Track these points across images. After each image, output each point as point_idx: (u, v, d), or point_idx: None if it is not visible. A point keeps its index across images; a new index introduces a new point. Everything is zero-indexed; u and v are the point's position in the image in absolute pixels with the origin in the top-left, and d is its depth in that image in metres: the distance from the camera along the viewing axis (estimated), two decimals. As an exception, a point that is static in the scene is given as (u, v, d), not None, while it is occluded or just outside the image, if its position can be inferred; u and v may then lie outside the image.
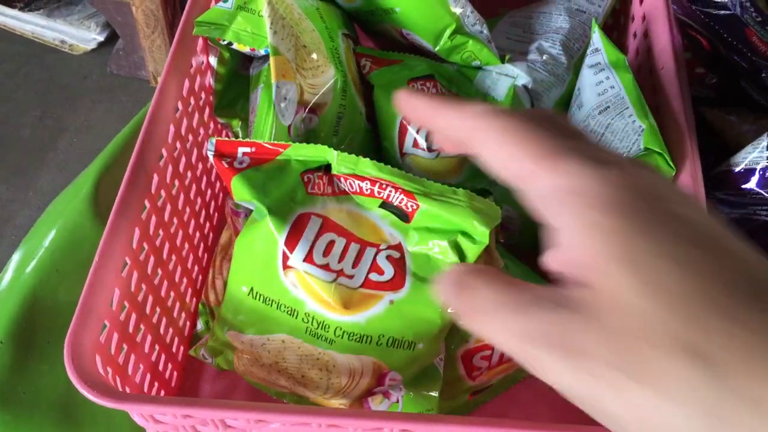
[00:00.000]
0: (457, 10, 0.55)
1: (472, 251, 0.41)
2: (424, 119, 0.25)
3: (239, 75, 0.57)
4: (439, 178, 0.55)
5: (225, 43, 0.52)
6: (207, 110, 0.58)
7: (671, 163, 0.47)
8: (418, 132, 0.54)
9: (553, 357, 0.20)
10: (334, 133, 0.53)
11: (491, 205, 0.42)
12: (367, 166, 0.42)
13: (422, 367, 0.44)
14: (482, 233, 0.41)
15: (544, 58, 0.58)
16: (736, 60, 0.53)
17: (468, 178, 0.56)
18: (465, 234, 0.41)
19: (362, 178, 0.42)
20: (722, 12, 0.56)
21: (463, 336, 0.48)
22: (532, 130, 0.22)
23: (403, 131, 0.55)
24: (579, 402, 0.20)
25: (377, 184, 0.42)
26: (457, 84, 0.58)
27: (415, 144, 0.54)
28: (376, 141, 0.57)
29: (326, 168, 0.43)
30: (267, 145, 0.42)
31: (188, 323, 0.55)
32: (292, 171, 0.42)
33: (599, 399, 0.19)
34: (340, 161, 0.42)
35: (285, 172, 0.42)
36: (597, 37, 0.54)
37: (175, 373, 0.52)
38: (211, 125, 0.59)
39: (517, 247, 0.58)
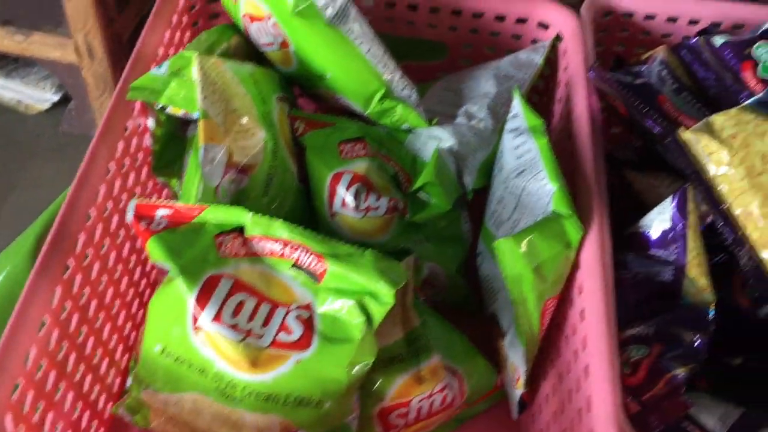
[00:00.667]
0: (386, 76, 0.58)
1: (379, 312, 0.43)
2: None
3: (177, 137, 0.59)
4: (366, 237, 0.57)
5: (159, 107, 0.54)
6: (146, 169, 0.60)
7: (579, 225, 0.49)
8: (346, 192, 0.56)
9: None
10: (264, 193, 0.55)
11: (398, 266, 0.44)
12: (279, 228, 0.44)
13: (332, 426, 0.45)
14: (387, 294, 0.43)
15: (472, 121, 0.60)
16: (648, 125, 0.55)
17: (394, 237, 0.58)
18: (371, 295, 0.43)
19: (274, 240, 0.44)
20: (637, 80, 0.59)
21: (378, 394, 0.49)
22: None
23: (332, 192, 0.57)
24: None
25: (288, 246, 0.43)
26: (387, 146, 0.60)
27: (344, 204, 0.56)
28: (309, 200, 0.59)
29: (241, 230, 0.45)
30: (184, 208, 0.44)
31: (118, 380, 0.55)
32: (207, 233, 0.44)
33: None
34: (253, 224, 0.44)
35: (200, 234, 0.43)
36: (517, 103, 0.56)
37: (102, 430, 0.53)
38: (150, 184, 0.61)
39: (443, 303, 0.60)
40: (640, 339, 0.48)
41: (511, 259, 0.47)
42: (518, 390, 0.52)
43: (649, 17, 0.69)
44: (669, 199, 0.51)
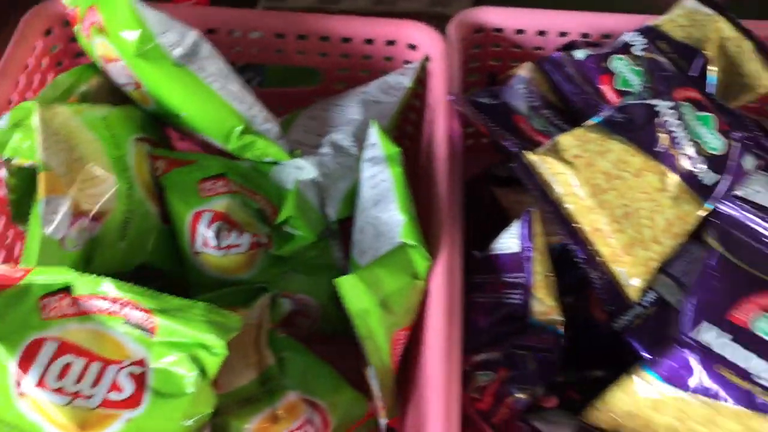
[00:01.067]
0: (244, 112, 0.57)
1: (212, 363, 0.43)
2: None
3: (35, 184, 0.58)
4: (229, 274, 0.57)
5: (5, 158, 0.53)
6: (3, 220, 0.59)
7: (426, 256, 0.49)
8: (207, 231, 0.55)
9: None
10: (121, 237, 0.54)
11: (231, 316, 0.44)
12: (106, 285, 0.43)
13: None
14: (219, 345, 0.42)
15: (336, 151, 0.60)
16: (505, 146, 0.56)
17: (260, 271, 0.57)
18: (203, 347, 0.43)
19: (103, 298, 0.43)
20: (493, 101, 0.59)
21: (236, 437, 0.49)
22: None
23: (193, 231, 0.56)
24: None
25: (118, 303, 0.43)
26: (252, 180, 0.60)
27: (205, 243, 0.56)
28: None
29: (68, 289, 0.44)
30: (8, 272, 0.43)
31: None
32: (32, 295, 0.43)
33: None
34: (80, 283, 0.43)
35: (23, 297, 0.43)
36: (374, 131, 0.56)
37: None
38: (11, 233, 0.60)
39: (317, 334, 0.60)
40: (487, 364, 0.49)
41: (355, 296, 0.47)
42: (383, 419, 0.52)
43: (520, 32, 0.69)
44: (517, 223, 0.52)
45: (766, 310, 0.44)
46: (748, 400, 0.42)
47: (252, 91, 0.58)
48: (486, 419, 0.47)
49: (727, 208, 0.51)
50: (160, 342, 0.43)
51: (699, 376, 0.43)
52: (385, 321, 0.48)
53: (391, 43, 0.68)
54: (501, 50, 0.71)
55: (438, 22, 0.69)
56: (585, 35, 0.69)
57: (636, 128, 0.52)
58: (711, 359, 0.43)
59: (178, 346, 0.43)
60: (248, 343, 0.50)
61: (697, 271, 0.47)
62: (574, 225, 0.52)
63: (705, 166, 0.53)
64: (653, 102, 0.53)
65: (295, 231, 0.58)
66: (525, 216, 0.51)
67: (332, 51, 0.68)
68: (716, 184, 0.53)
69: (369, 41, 0.68)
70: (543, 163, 0.52)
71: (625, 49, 0.60)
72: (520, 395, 0.46)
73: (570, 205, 0.52)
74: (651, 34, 0.60)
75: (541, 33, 0.69)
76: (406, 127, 0.72)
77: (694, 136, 0.53)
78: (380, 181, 0.54)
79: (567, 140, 0.52)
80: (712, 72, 0.59)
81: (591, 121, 0.53)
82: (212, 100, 0.56)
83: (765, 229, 0.50)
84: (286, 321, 0.56)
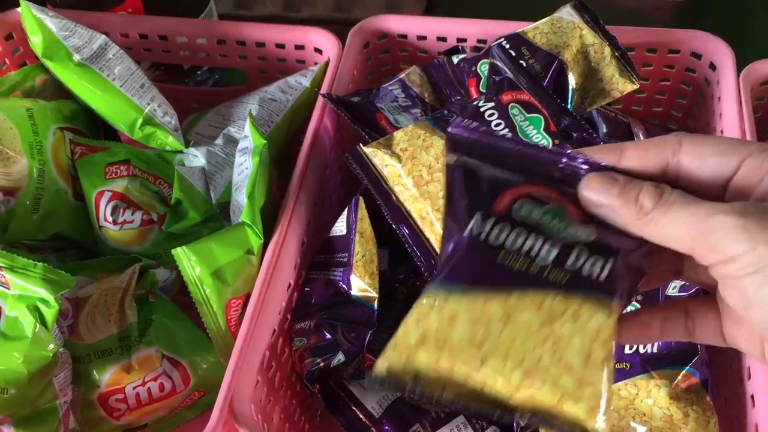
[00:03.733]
0: (145, 106, 0.66)
1: (49, 314, 0.51)
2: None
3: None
4: (125, 246, 0.66)
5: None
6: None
7: (258, 234, 0.56)
8: (106, 208, 0.64)
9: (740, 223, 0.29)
10: (33, 210, 0.64)
11: (64, 275, 0.52)
12: (-28, 245, 0.53)
13: (34, 408, 0.54)
14: (52, 299, 0.51)
15: (227, 142, 0.68)
16: (366, 140, 0.62)
17: (153, 245, 0.66)
18: (42, 300, 0.51)
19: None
20: (358, 100, 0.65)
21: (95, 382, 0.57)
22: None
23: (97, 208, 0.65)
24: (734, 263, 0.29)
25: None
26: (156, 166, 0.68)
27: (105, 218, 0.65)
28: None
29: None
30: None
31: None
32: None
33: (759, 249, 0.29)
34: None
35: None
36: (247, 124, 0.64)
37: None
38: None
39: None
40: (301, 331, 0.55)
41: (188, 265, 0.55)
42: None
43: (421, 38, 0.75)
44: (348, 207, 0.58)
45: (521, 197, 0.39)
46: (527, 281, 0.38)
47: (154, 88, 0.66)
48: (305, 380, 0.54)
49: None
50: (13, 295, 0.52)
51: (483, 270, 0.39)
52: (218, 289, 0.55)
53: (300, 47, 0.75)
54: (407, 54, 0.76)
55: (349, 27, 0.75)
56: (482, 41, 0.73)
57: (459, 127, 0.57)
58: (489, 249, 0.39)
59: (24, 298, 0.52)
60: (112, 304, 0.59)
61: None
62: (404, 212, 0.57)
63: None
64: (478, 103, 0.58)
65: (187, 212, 0.66)
66: (354, 201, 0.57)
67: (250, 54, 0.76)
68: (540, 179, 0.57)
69: (280, 46, 0.75)
70: (374, 155, 0.58)
71: (491, 53, 0.65)
72: (317, 359, 0.52)
73: (400, 194, 0.57)
74: (516, 41, 0.65)
75: (441, 39, 0.74)
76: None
77: (524, 136, 0.57)
78: (244, 169, 0.61)
79: (399, 135, 0.58)
80: (571, 76, 0.63)
81: (424, 119, 0.59)
82: (115, 96, 0.65)
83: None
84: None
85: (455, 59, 0.68)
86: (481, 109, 0.58)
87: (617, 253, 0.37)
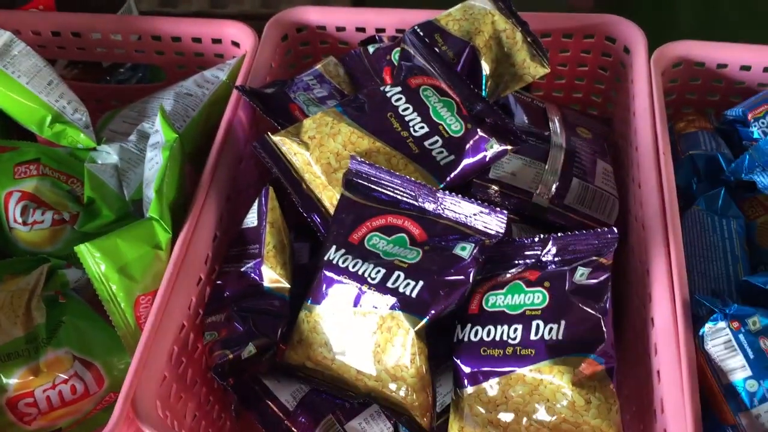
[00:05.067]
0: (54, 104, 0.64)
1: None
2: None
3: None
4: (37, 248, 0.64)
5: None
6: None
7: (168, 228, 0.55)
8: (15, 208, 0.63)
9: None
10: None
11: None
12: None
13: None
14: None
15: (141, 138, 0.67)
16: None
17: (65, 245, 0.64)
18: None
19: None
20: (271, 90, 0.64)
21: (3, 387, 0.55)
22: None
23: (6, 209, 0.63)
24: None
25: None
26: (68, 165, 0.66)
27: (15, 219, 0.63)
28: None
29: None
30: None
31: None
32: None
33: None
34: None
35: None
36: (158, 119, 0.62)
37: None
38: None
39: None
40: (212, 325, 0.54)
41: (92, 262, 0.53)
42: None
43: (340, 29, 0.74)
44: (258, 198, 0.57)
45: (375, 230, 0.52)
46: (358, 300, 0.50)
47: (63, 85, 0.65)
48: (213, 373, 0.53)
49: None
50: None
51: (328, 290, 0.51)
52: (126, 286, 0.54)
53: (217, 41, 0.74)
54: (328, 46, 0.76)
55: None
56: (400, 31, 0.73)
57: (366, 113, 0.57)
58: (337, 272, 0.51)
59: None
60: (18, 306, 0.57)
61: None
62: (315, 200, 0.57)
63: (443, 148, 0.57)
64: (385, 89, 0.57)
65: (101, 210, 0.64)
66: (263, 192, 0.56)
67: (166, 49, 0.75)
68: (451, 163, 0.57)
69: (197, 40, 0.74)
70: (283, 143, 0.57)
71: (404, 41, 0.64)
72: (226, 351, 0.51)
73: (309, 182, 0.57)
74: (430, 28, 0.64)
75: (360, 29, 0.74)
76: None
77: (438, 119, 0.57)
78: (155, 164, 0.60)
79: (308, 123, 0.57)
80: (484, 62, 0.63)
81: (333, 107, 0.58)
82: (22, 94, 0.64)
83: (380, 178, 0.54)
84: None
85: (371, 49, 0.68)
86: (388, 95, 0.57)
87: (428, 275, 0.49)
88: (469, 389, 0.49)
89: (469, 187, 0.60)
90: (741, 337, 0.42)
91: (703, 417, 0.44)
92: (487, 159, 0.57)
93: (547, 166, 0.62)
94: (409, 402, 0.50)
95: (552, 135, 0.64)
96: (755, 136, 0.61)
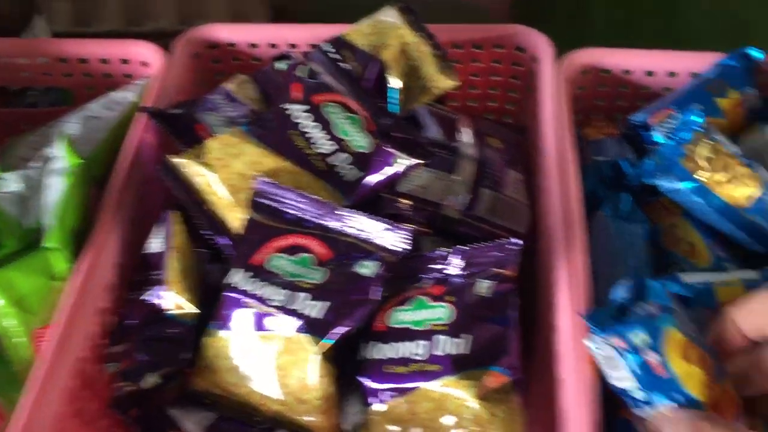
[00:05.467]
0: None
1: None
2: None
3: None
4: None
5: None
6: None
7: (67, 257, 0.53)
8: None
9: None
10: None
11: None
12: None
13: None
14: None
15: (46, 164, 0.64)
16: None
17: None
18: None
19: None
20: (176, 111, 0.63)
21: None
22: None
23: None
24: None
25: None
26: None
27: None
28: None
29: None
30: None
31: None
32: None
33: None
34: None
35: None
36: (60, 145, 0.61)
37: None
38: None
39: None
40: (116, 356, 0.53)
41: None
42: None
43: (253, 45, 0.73)
44: (159, 222, 0.56)
45: (278, 251, 0.52)
46: (262, 323, 0.49)
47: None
48: (113, 405, 0.51)
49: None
50: None
51: (231, 313, 0.50)
52: (23, 320, 0.52)
53: (125, 61, 0.72)
54: (241, 63, 0.75)
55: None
56: (314, 46, 0.72)
57: (270, 132, 0.56)
58: (237, 298, 0.50)
59: None
60: None
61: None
62: (219, 222, 0.56)
63: (349, 164, 0.56)
64: (286, 106, 0.57)
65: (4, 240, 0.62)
66: (165, 216, 0.55)
67: (74, 71, 0.73)
68: (358, 179, 0.56)
69: (104, 61, 0.72)
70: (184, 166, 0.56)
71: (310, 57, 0.64)
72: (127, 383, 0.50)
73: (213, 203, 0.56)
74: (338, 43, 0.64)
75: (272, 45, 0.73)
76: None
77: (343, 135, 0.57)
78: (55, 191, 0.58)
79: (212, 143, 0.56)
80: (392, 76, 0.62)
81: (238, 127, 0.57)
82: None
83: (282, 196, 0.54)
84: None
85: (283, 65, 0.67)
86: (292, 113, 0.57)
87: (332, 295, 0.49)
88: (376, 407, 0.49)
89: (378, 201, 0.59)
90: (625, 354, 0.42)
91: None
92: (395, 173, 0.57)
93: (457, 178, 0.62)
94: (316, 424, 0.49)
95: (462, 146, 0.64)
96: (656, 140, 0.62)
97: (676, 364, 0.41)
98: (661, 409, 0.41)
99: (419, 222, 0.60)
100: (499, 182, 0.63)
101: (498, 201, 0.62)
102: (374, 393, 0.49)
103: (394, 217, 0.60)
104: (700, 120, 0.57)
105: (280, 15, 0.95)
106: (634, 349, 0.41)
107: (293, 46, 0.73)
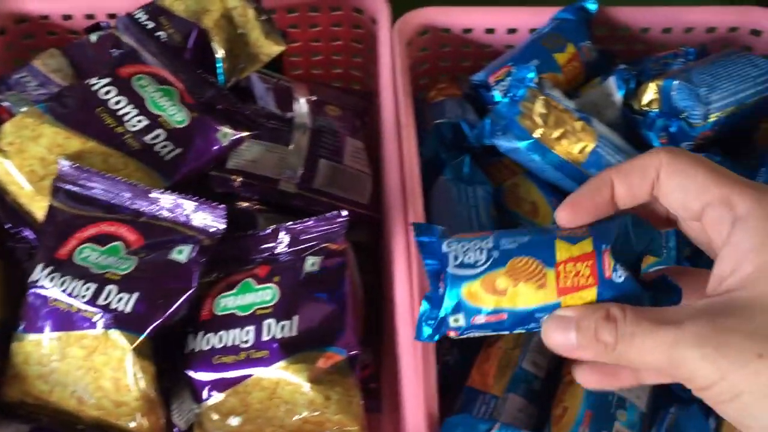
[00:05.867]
0: None
1: None
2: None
3: None
4: None
5: None
6: None
7: None
8: None
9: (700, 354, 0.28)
10: None
11: None
12: None
13: None
14: None
15: None
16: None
17: None
18: None
19: None
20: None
21: None
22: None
23: None
24: (710, 391, 0.29)
25: None
26: None
27: None
28: None
29: None
30: None
31: None
32: None
33: (731, 380, 0.28)
34: None
35: None
36: None
37: None
38: None
39: None
40: None
41: None
42: None
43: (67, 17, 0.67)
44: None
45: (86, 242, 0.47)
46: (70, 322, 0.44)
47: None
48: None
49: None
50: None
51: (37, 314, 0.45)
52: None
53: None
54: (58, 38, 0.68)
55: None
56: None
57: (73, 110, 0.51)
58: (42, 297, 0.45)
59: None
60: None
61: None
62: (23, 213, 0.50)
63: (166, 141, 0.52)
64: (91, 81, 0.51)
65: None
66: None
67: None
68: (178, 157, 0.52)
69: None
70: (-33, 156, 0.50)
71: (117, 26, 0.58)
72: None
73: (17, 195, 0.50)
74: (153, 10, 0.59)
75: (90, 16, 0.67)
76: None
77: (158, 110, 0.52)
78: None
79: (7, 127, 0.50)
80: (216, 44, 0.58)
81: (35, 106, 0.51)
82: None
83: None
84: None
85: (94, 37, 0.61)
86: (95, 88, 0.51)
87: (144, 285, 0.44)
88: (207, 402, 0.45)
89: (207, 180, 0.55)
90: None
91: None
92: (221, 148, 0.53)
93: (292, 150, 0.58)
94: (139, 427, 0.45)
95: (298, 116, 0.61)
96: (496, 99, 0.61)
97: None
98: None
99: (252, 199, 0.57)
100: (337, 152, 0.60)
101: (337, 171, 0.59)
102: (204, 386, 0.45)
103: (226, 196, 0.56)
104: (532, 75, 0.56)
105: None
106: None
107: (113, 16, 0.67)
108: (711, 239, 0.33)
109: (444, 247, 0.37)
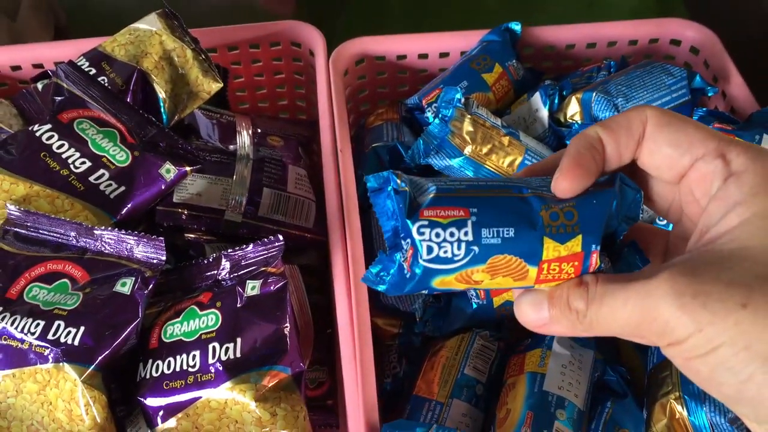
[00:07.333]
0: None
1: None
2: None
3: None
4: None
5: None
6: None
7: None
8: None
9: (677, 304, 0.26)
10: None
11: None
12: None
13: None
14: None
15: None
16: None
17: None
18: None
19: None
20: None
21: None
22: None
23: None
24: (683, 345, 0.27)
25: None
26: None
27: None
28: None
29: None
30: None
31: None
32: None
33: (709, 331, 0.26)
34: None
35: None
36: None
37: None
38: None
39: None
40: None
41: None
42: None
43: (15, 68, 0.69)
44: None
45: (33, 281, 0.49)
46: (23, 359, 0.46)
47: None
48: None
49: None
50: None
51: None
52: None
53: None
54: (8, 88, 0.70)
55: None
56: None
57: (16, 157, 0.53)
58: None
59: None
60: None
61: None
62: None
63: (110, 180, 0.54)
64: (35, 128, 0.54)
65: None
66: None
67: None
68: (123, 195, 0.54)
69: None
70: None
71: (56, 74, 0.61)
72: None
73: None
74: (95, 56, 0.61)
75: (38, 66, 0.69)
76: None
77: (100, 151, 0.54)
78: None
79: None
80: (157, 85, 0.60)
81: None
82: None
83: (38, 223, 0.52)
84: None
85: (40, 86, 0.64)
86: (38, 134, 0.54)
87: (89, 318, 0.46)
88: (161, 427, 0.47)
89: (154, 215, 0.58)
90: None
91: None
92: (165, 183, 0.55)
93: (234, 180, 0.61)
94: (94, 456, 0.46)
95: (239, 148, 0.63)
96: (430, 120, 0.64)
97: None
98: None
99: (200, 230, 0.59)
100: (280, 180, 0.62)
101: (281, 199, 0.61)
102: (157, 412, 0.47)
103: (174, 229, 0.58)
104: (459, 96, 0.59)
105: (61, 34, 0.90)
106: None
107: (39, 66, 0.69)
108: (695, 196, 0.31)
109: (414, 233, 0.32)
